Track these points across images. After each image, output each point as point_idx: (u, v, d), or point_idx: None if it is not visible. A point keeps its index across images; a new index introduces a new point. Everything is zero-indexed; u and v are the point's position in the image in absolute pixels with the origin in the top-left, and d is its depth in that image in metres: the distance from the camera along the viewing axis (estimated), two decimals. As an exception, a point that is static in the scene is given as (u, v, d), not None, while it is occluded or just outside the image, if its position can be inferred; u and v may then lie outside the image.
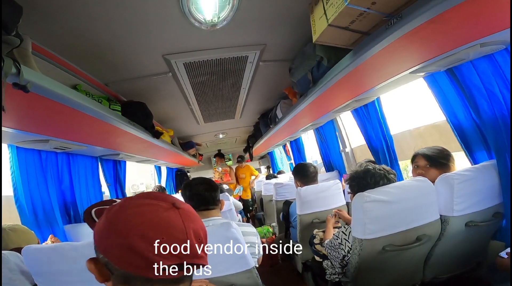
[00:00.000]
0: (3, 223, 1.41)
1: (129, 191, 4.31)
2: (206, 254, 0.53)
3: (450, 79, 1.47)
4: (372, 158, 2.24)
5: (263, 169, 7.16)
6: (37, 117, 1.34)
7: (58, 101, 1.19)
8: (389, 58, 1.31)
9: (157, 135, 2.42)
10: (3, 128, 1.31)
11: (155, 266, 0.47)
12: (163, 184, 4.68)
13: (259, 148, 4.79)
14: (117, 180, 2.89)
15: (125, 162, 3.05)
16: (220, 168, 5.44)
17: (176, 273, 0.49)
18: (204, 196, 1.32)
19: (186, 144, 4.35)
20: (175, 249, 0.48)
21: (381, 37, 1.11)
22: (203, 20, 1.39)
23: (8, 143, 1.66)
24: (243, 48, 1.76)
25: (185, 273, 0.51)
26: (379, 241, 1.17)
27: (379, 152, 2.17)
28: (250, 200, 5.09)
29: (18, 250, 1.17)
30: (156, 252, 0.47)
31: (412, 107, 2.29)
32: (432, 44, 1.17)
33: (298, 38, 1.74)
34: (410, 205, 1.18)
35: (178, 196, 3.32)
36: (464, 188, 1.20)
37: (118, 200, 0.59)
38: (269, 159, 6.63)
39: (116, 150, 2.45)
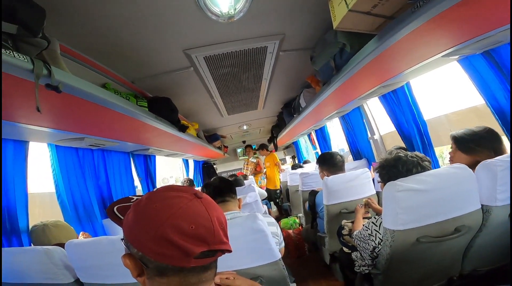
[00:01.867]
0: (47, 219, 1.52)
1: (160, 185, 4.48)
2: (228, 240, 0.55)
3: (487, 62, 1.35)
4: (403, 145, 2.13)
5: (288, 159, 7.11)
6: (71, 116, 1.41)
7: (89, 100, 1.24)
8: (417, 42, 1.23)
9: (182, 129, 2.48)
10: (41, 128, 1.40)
11: (189, 254, 0.49)
12: (191, 176, 4.81)
13: (283, 138, 4.76)
14: (148, 174, 3.02)
15: (154, 156, 3.17)
16: (254, 159, 5.45)
17: (206, 260, 0.52)
18: (219, 186, 1.37)
19: (211, 137, 4.42)
20: (203, 236, 0.50)
21: (407, 20, 1.04)
22: (220, 13, 1.38)
23: (48, 142, 1.78)
24: (262, 38, 1.74)
25: (213, 259, 0.54)
26: (412, 232, 1.11)
27: (411, 138, 2.05)
28: (277, 190, 5.00)
29: (61, 245, 1.23)
30: (188, 241, 0.49)
31: (448, 90, 2.13)
32: (465, 26, 1.08)
33: (318, 25, 1.68)
34: (447, 194, 1.10)
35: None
36: (508, 176, 1.09)
37: (135, 197, 0.61)
38: (294, 149, 6.57)
39: (145, 145, 2.54)
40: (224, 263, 0.67)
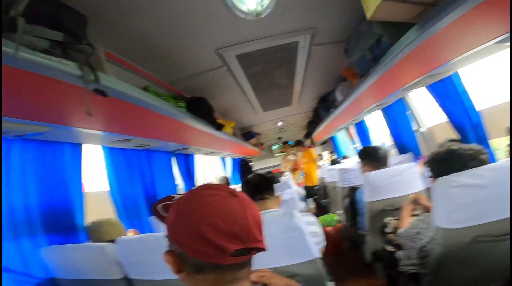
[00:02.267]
0: (101, 217, 1.64)
1: (200, 183, 4.65)
2: (263, 238, 0.56)
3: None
4: (454, 137, 1.94)
5: (326, 155, 6.93)
6: (119, 118, 1.53)
7: (134, 103, 1.32)
8: (465, 28, 1.12)
9: (219, 127, 2.54)
10: (93, 131, 1.52)
11: (224, 252, 0.50)
12: (229, 174, 4.92)
13: (320, 133, 4.65)
14: (188, 172, 3.15)
15: (193, 155, 3.30)
16: (293, 157, 5.38)
17: (241, 258, 0.52)
18: (258, 184, 1.35)
19: (247, 134, 4.48)
20: (239, 234, 0.51)
21: (452, 7, 0.95)
22: (247, 10, 1.38)
23: (101, 144, 1.94)
24: (292, 34, 1.71)
25: (248, 257, 0.54)
26: (467, 231, 1.01)
27: (465, 130, 1.87)
28: (315, 187, 4.86)
29: (112, 241, 1.30)
30: (223, 239, 0.50)
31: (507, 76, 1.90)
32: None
33: (350, 17, 1.62)
34: (507, 190, 0.98)
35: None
36: None
37: (177, 196, 0.63)
38: (331, 144, 6.38)
39: (185, 144, 2.66)
40: (261, 260, 0.67)
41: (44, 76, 0.90)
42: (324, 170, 4.16)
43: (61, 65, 0.90)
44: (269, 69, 2.21)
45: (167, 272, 0.55)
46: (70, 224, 1.61)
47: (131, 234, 1.77)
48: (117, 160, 2.07)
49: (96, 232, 1.56)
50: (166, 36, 1.50)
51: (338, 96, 2.77)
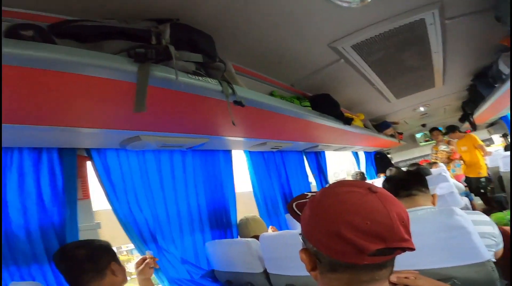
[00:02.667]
0: (246, 214, 1.89)
1: (332, 179, 4.62)
2: (410, 237, 0.50)
3: None
4: None
5: (497, 139, 5.32)
6: (255, 124, 1.75)
7: (264, 109, 1.48)
8: None
9: (348, 121, 2.45)
10: (238, 138, 1.80)
11: (362, 252, 0.47)
12: (363, 169, 4.62)
13: (484, 114, 3.64)
14: (320, 170, 3.19)
15: (324, 152, 3.31)
16: (446, 147, 4.39)
17: (381, 258, 0.49)
18: (405, 179, 1.20)
19: (380, 125, 4.07)
20: (380, 233, 0.47)
21: None
22: None
23: (243, 149, 2.27)
24: (412, 12, 1.49)
25: (389, 258, 0.50)
26: None
27: None
28: (482, 178, 3.88)
29: (255, 237, 1.46)
30: (362, 238, 0.47)
31: None
32: None
33: None
34: None
35: (380, 180, 3.17)
36: None
37: (310, 194, 0.65)
38: (504, 125, 4.84)
39: (315, 142, 2.72)
40: (406, 261, 0.61)
41: (198, 95, 1.10)
42: (496, 157, 3.28)
43: (208, 84, 1.05)
44: (395, 53, 1.97)
45: (302, 269, 0.56)
46: (226, 221, 1.93)
47: (271, 230, 1.93)
48: (257, 162, 2.35)
49: (244, 228, 1.83)
50: (280, 40, 1.57)
51: (503, 68, 2.20)
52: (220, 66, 1.14)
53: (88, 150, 1.38)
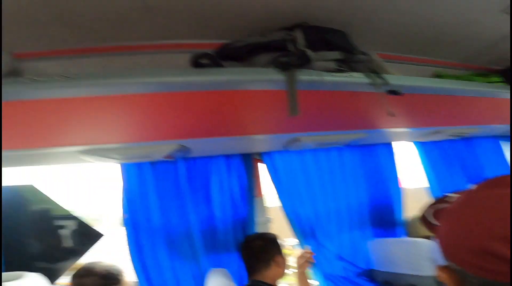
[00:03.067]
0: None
1: None
2: None
3: None
4: None
5: None
6: (422, 112, 1.52)
7: (432, 93, 1.30)
8: None
9: None
10: (401, 129, 1.60)
11: None
12: None
13: None
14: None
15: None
16: None
17: None
18: None
19: None
20: None
21: None
22: None
23: (410, 140, 2.00)
24: None
25: None
26: None
27: None
28: None
29: (427, 238, 1.29)
30: None
31: None
32: None
33: None
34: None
35: None
36: None
37: (451, 196, 0.51)
38: None
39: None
40: None
41: (347, 91, 1.12)
42: None
43: (353, 78, 1.06)
44: None
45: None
46: (390, 219, 1.79)
47: None
48: (432, 154, 2.02)
49: (413, 227, 1.61)
50: (442, 16, 1.30)
51: None
52: (361, 58, 1.12)
53: (259, 154, 1.66)
